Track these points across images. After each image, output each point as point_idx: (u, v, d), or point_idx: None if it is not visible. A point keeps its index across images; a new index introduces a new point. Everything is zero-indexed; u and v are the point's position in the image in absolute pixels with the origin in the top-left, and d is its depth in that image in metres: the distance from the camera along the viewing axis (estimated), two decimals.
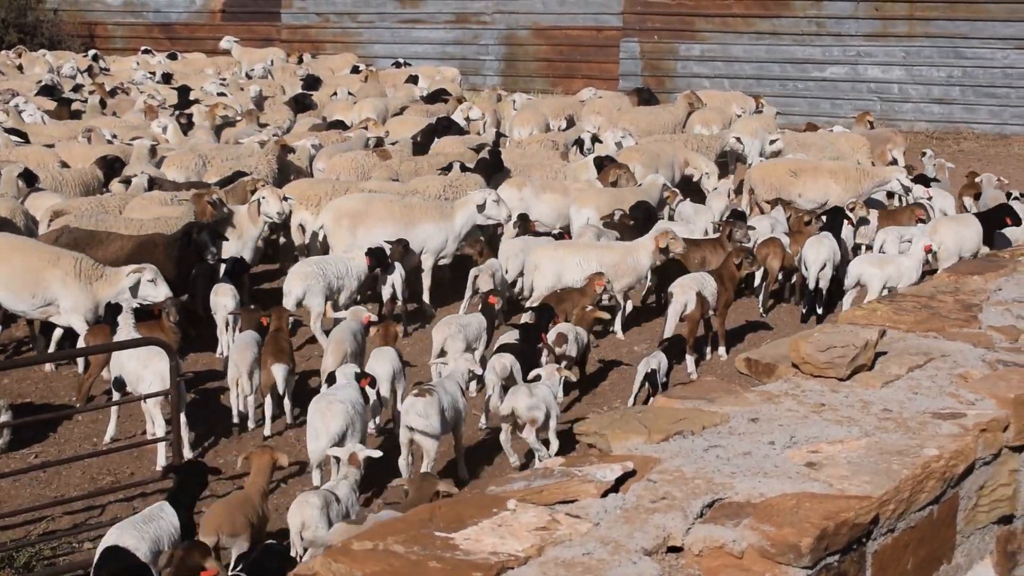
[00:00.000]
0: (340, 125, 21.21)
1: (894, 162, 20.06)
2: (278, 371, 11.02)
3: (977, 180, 19.20)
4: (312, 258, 13.72)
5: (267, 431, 11.08)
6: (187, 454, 10.16)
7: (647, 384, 11.41)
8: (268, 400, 11.09)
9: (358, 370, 10.19)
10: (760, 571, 3.74)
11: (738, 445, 4.50)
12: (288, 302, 12.71)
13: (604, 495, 4.02)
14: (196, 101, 23.15)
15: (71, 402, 11.74)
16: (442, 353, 11.44)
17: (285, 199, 14.16)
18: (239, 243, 13.76)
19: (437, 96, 24.76)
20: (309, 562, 3.71)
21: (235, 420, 11.25)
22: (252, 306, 12.57)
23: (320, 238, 14.53)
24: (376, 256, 13.26)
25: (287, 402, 11.24)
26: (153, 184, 15.40)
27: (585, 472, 4.13)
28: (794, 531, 3.80)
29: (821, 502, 3.99)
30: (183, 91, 24.04)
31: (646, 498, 4.02)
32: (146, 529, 7.47)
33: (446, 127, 20.34)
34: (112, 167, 16.29)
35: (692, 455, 4.40)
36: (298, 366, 11.82)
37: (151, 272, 11.93)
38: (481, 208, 14.30)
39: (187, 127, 20.55)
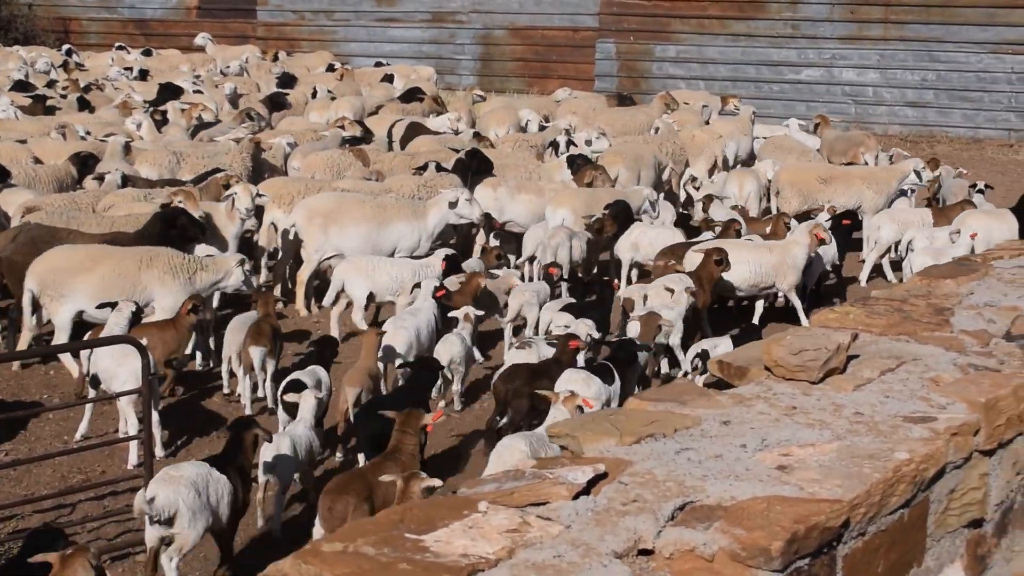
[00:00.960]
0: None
1: (867, 165, 20.17)
2: (255, 353, 11.30)
3: (936, 173, 19.45)
4: (372, 256, 13.84)
5: (247, 411, 11.39)
6: (159, 453, 10.15)
7: (699, 363, 11.70)
8: (247, 380, 11.48)
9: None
10: (730, 574, 3.74)
11: (710, 448, 4.50)
12: (330, 291, 13.48)
13: (575, 497, 4.02)
14: (178, 96, 23.08)
15: (41, 399, 11.69)
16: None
17: (258, 195, 14.11)
18: (219, 241, 13.74)
19: (412, 95, 24.73)
20: (279, 563, 3.70)
21: (225, 391, 11.88)
22: (264, 288, 13.03)
23: (291, 236, 14.49)
24: (452, 262, 13.46)
25: (269, 384, 11.44)
26: (127, 181, 15.34)
27: (556, 474, 4.13)
28: (765, 534, 3.80)
29: (792, 505, 3.99)
30: (170, 89, 23.80)
31: (617, 500, 4.01)
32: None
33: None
34: (86, 164, 16.21)
35: (664, 457, 4.39)
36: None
37: (247, 262, 12.49)
38: (453, 206, 14.30)
39: (161, 123, 20.47)
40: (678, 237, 15.09)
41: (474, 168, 16.52)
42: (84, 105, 22.77)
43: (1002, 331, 6.07)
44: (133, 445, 10.17)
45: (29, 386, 12.07)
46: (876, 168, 18.37)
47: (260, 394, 11.59)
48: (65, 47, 32.67)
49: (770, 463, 4.37)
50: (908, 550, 4.56)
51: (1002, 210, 15.81)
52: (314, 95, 25.27)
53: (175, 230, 12.80)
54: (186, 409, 11.61)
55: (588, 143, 18.91)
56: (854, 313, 6.33)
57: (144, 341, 11.05)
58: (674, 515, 3.94)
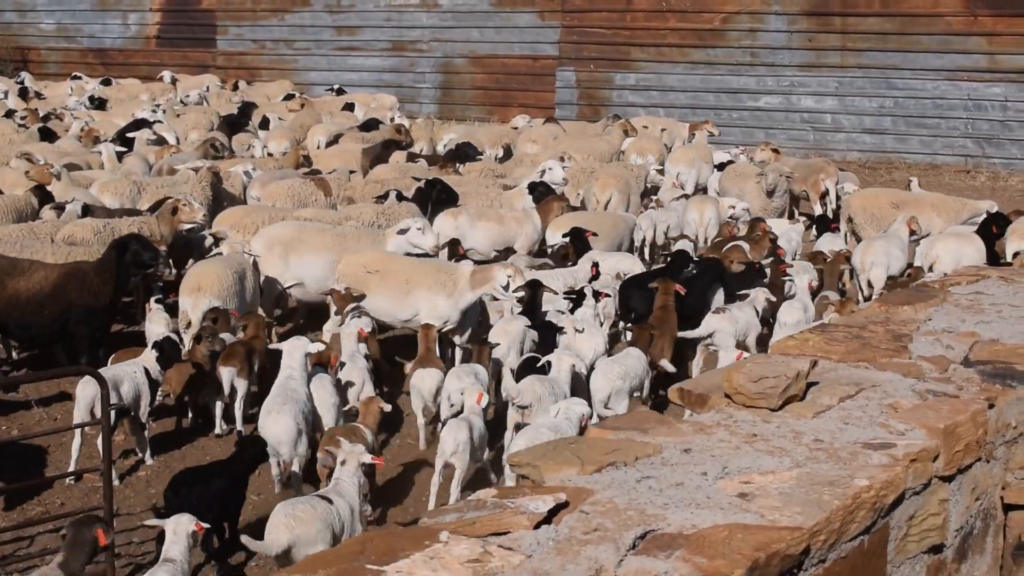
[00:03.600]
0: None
1: (826, 192, 20.31)
2: (224, 373, 11.35)
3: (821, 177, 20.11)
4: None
5: (218, 429, 11.55)
6: (116, 484, 10.08)
7: None
8: (218, 400, 11.58)
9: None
10: None
11: (671, 476, 4.51)
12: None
13: (537, 527, 4.01)
14: (150, 125, 22.98)
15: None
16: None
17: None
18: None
19: (373, 124, 24.69)
20: None
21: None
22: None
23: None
24: (599, 266, 14.32)
25: (239, 405, 11.48)
26: (87, 211, 15.24)
27: (518, 504, 4.12)
28: (726, 562, 3.80)
29: (753, 533, 4.00)
30: (143, 124, 23.55)
31: (579, 530, 4.01)
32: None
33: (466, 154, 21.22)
34: (49, 195, 16.10)
35: (625, 486, 4.40)
36: None
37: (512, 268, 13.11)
38: (403, 234, 14.27)
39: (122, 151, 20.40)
40: (638, 264, 15.16)
41: (434, 198, 16.45)
42: (46, 135, 22.62)
43: (960, 357, 6.11)
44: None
45: None
46: (948, 197, 18.58)
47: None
48: (22, 74, 32.59)
49: (731, 491, 4.38)
50: None
51: (970, 234, 15.94)
52: (264, 125, 25.15)
53: (128, 256, 12.70)
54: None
55: (565, 181, 18.67)
56: (813, 340, 6.36)
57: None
58: (635, 544, 3.94)
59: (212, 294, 12.55)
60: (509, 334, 12.04)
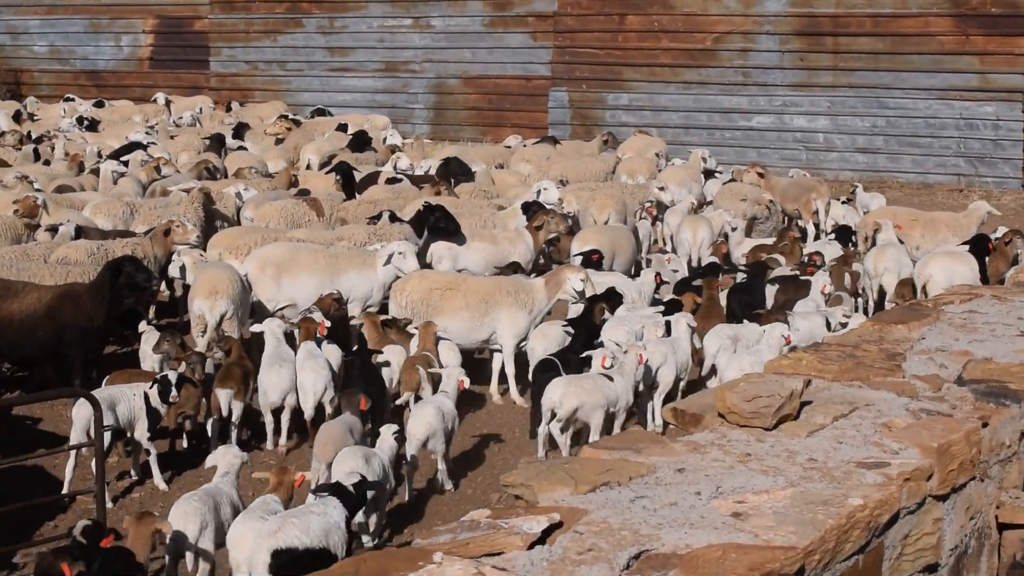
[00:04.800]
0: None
1: (816, 212, 20.36)
2: (221, 395, 11.44)
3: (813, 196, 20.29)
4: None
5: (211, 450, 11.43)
6: (109, 505, 10.05)
7: None
8: (214, 422, 11.60)
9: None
10: None
11: (664, 496, 4.50)
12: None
13: (530, 547, 4.01)
14: (144, 147, 22.96)
15: None
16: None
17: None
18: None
19: (365, 144, 24.62)
20: None
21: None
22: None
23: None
24: (661, 275, 15.37)
25: (234, 426, 11.57)
26: (80, 232, 15.24)
27: (511, 524, 4.11)
28: None
29: (747, 553, 3.99)
30: (137, 146, 23.44)
31: (572, 550, 4.00)
32: None
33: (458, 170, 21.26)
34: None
35: (619, 506, 4.39)
36: None
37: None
38: (387, 261, 14.23)
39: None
40: (628, 282, 15.24)
41: (432, 224, 16.19)
42: (39, 156, 22.63)
43: (954, 376, 6.11)
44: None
45: None
46: (959, 215, 18.70)
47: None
48: (27, 99, 32.71)
49: (725, 510, 4.37)
50: None
51: (963, 252, 15.96)
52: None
53: (122, 278, 12.69)
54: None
55: (560, 201, 18.72)
56: (807, 359, 6.36)
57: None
58: (629, 564, 3.93)
59: (227, 296, 13.04)
60: (548, 336, 12.82)
